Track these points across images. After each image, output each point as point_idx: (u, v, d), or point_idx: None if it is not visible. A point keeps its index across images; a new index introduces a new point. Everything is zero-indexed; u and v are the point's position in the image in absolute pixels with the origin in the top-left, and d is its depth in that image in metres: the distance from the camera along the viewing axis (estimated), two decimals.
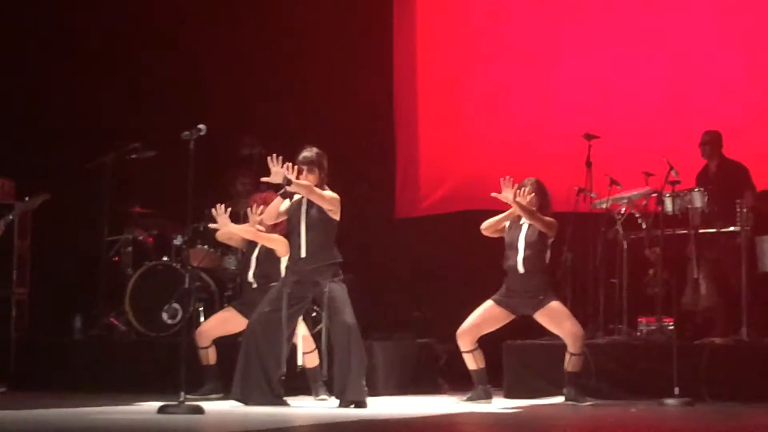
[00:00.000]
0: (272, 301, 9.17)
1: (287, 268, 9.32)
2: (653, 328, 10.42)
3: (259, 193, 10.26)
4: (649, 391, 9.70)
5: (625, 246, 10.62)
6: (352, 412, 8.73)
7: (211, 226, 9.93)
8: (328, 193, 9.18)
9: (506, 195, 9.61)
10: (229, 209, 9.78)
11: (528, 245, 9.65)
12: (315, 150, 9.26)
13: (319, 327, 9.67)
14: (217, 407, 9.00)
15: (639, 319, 10.55)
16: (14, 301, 11.25)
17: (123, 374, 10.58)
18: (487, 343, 9.80)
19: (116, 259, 11.52)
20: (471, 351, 9.69)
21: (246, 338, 9.20)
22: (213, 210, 9.72)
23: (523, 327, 10.10)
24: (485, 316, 9.69)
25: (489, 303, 9.71)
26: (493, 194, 9.63)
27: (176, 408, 8.22)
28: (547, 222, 9.68)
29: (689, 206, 10.44)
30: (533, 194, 9.66)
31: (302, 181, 9.09)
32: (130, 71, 12.81)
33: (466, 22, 12.88)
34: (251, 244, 9.93)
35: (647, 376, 9.91)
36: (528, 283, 9.63)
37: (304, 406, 9.28)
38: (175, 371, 8.57)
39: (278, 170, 9.05)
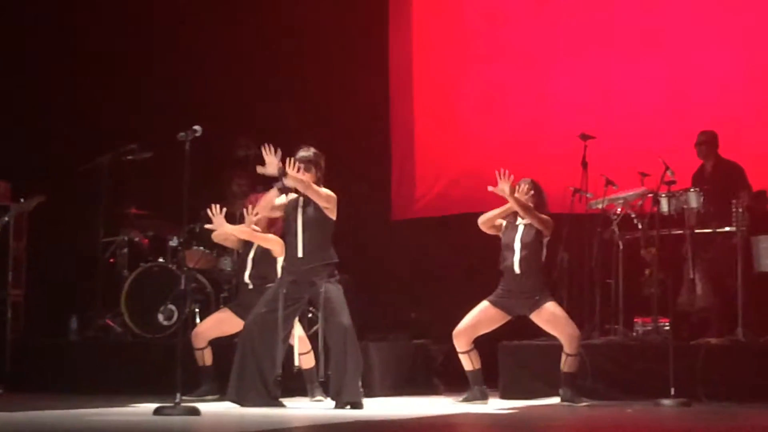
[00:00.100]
0: (268, 302, 9.17)
1: (283, 268, 9.32)
2: (649, 328, 10.42)
3: (255, 194, 10.26)
4: (646, 392, 9.69)
5: (621, 246, 10.61)
6: (348, 413, 8.73)
7: (207, 227, 9.91)
8: (325, 190, 9.18)
9: (503, 188, 9.60)
10: (225, 210, 9.77)
11: (524, 246, 9.65)
12: (312, 150, 9.27)
13: (315, 328, 9.67)
14: (213, 408, 8.99)
15: (635, 320, 10.55)
16: (10, 303, 11.20)
17: (119, 375, 10.57)
18: (483, 344, 9.80)
19: (112, 260, 11.52)
20: (467, 352, 9.69)
21: (242, 339, 9.20)
22: (209, 211, 9.72)
23: (519, 328, 10.10)
24: (481, 317, 9.68)
25: (485, 304, 9.70)
26: (490, 188, 9.62)
27: (172, 409, 8.22)
28: (543, 219, 9.67)
29: (685, 206, 10.43)
30: (530, 192, 9.67)
31: (299, 175, 9.08)
32: (130, 71, 12.81)
33: (462, 22, 12.88)
34: (247, 245, 9.92)
35: (643, 376, 9.91)
36: (524, 283, 9.63)
37: (300, 408, 9.28)
38: (171, 372, 8.56)
39: (272, 160, 9.05)
